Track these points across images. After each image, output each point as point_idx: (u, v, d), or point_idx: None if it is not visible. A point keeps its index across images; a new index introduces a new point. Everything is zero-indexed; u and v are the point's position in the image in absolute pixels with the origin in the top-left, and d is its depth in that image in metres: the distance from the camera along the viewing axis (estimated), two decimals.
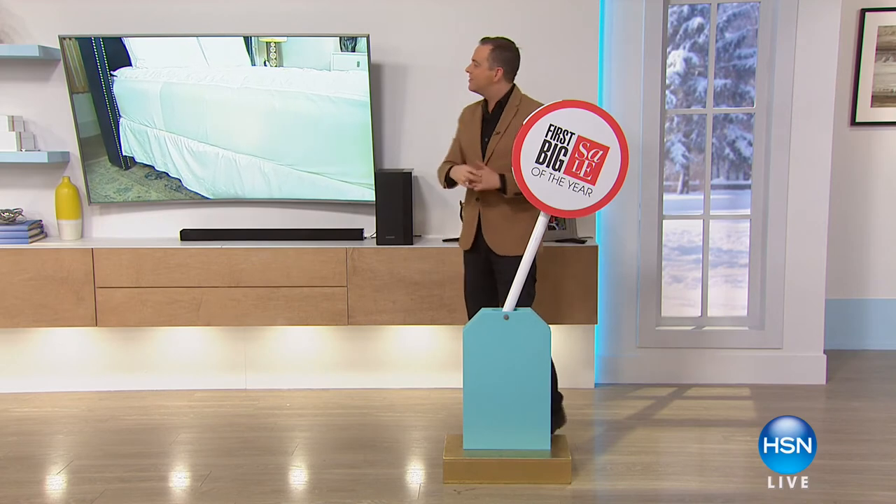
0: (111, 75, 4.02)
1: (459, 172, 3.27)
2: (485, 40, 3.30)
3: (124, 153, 4.15)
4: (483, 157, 3.30)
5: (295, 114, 4.04)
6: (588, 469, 3.28)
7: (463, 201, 4.03)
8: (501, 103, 3.29)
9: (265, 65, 3.97)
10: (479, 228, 3.36)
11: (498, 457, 3.14)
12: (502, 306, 3.23)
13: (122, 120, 4.11)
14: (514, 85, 3.33)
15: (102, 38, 3.96)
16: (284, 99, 4.03)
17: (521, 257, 3.23)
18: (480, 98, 3.38)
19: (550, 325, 3.20)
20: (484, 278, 3.43)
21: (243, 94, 4.05)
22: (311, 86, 3.98)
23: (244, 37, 3.92)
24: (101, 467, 3.33)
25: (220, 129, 4.11)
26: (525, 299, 3.30)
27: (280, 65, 3.96)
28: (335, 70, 3.94)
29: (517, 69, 3.32)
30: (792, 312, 4.25)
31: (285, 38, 3.94)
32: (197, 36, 3.92)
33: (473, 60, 3.28)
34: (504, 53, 3.26)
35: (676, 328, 4.33)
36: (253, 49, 3.96)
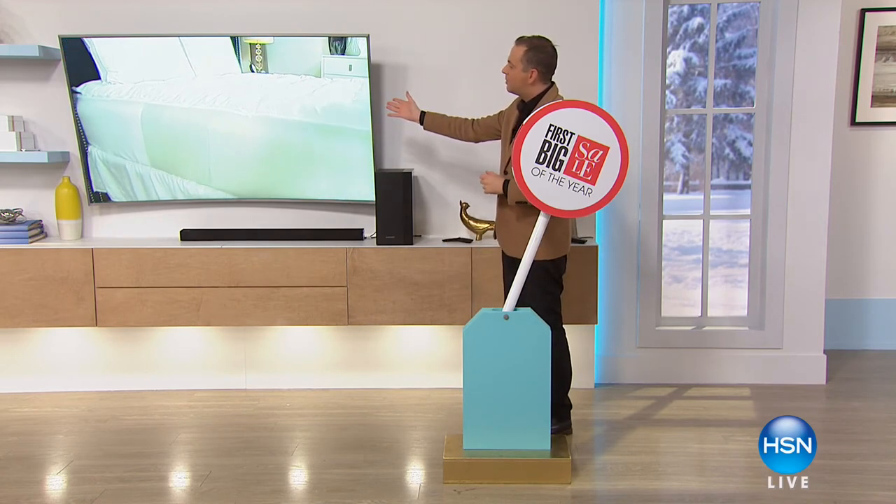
0: (73, 92, 3.68)
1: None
2: (520, 40, 3.29)
3: (95, 189, 3.84)
4: (510, 145, 3.29)
5: (305, 129, 3.92)
6: (588, 469, 3.28)
7: (466, 202, 4.05)
8: (535, 101, 3.28)
9: (251, 69, 3.80)
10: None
11: (498, 457, 3.14)
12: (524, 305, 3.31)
13: (90, 148, 3.78)
14: (553, 84, 3.33)
15: (62, 42, 3.70)
16: (292, 116, 3.85)
17: (540, 260, 3.29)
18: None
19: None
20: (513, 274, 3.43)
21: (253, 122, 3.74)
22: (312, 97, 3.84)
23: (237, 38, 3.84)
24: (101, 467, 3.33)
25: (227, 168, 3.76)
26: (543, 300, 3.35)
27: (265, 69, 3.81)
28: (336, 77, 3.82)
29: (554, 69, 3.32)
30: (792, 312, 4.25)
31: (271, 40, 3.84)
32: (198, 36, 3.88)
33: (508, 61, 3.29)
34: (539, 55, 3.25)
35: (676, 328, 4.33)
36: (240, 53, 3.80)
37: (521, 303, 3.23)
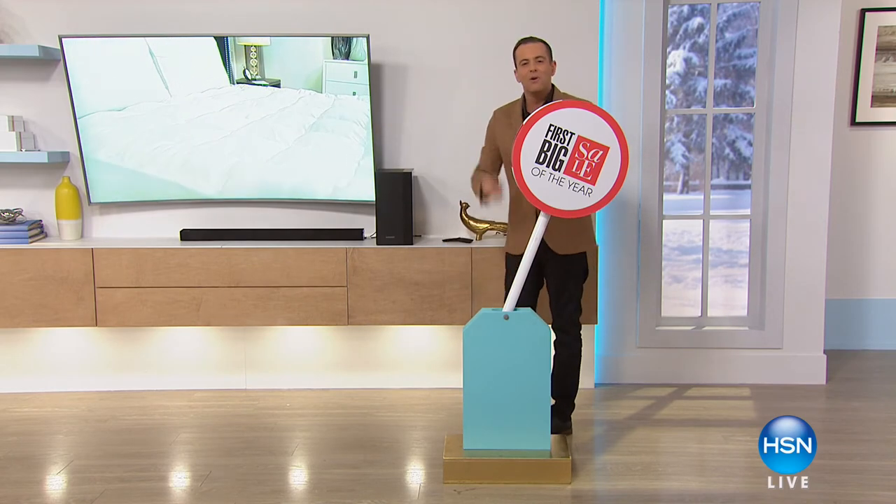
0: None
1: (485, 191, 3.32)
2: (533, 38, 3.30)
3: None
4: None
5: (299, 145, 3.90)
6: (588, 469, 3.28)
7: (466, 202, 4.04)
8: (549, 99, 3.31)
9: (245, 75, 3.65)
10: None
11: (498, 457, 3.13)
12: (555, 302, 3.36)
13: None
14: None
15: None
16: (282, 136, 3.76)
17: (580, 253, 3.39)
18: (515, 100, 3.43)
19: (550, 325, 3.21)
20: (533, 282, 3.41)
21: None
22: (310, 111, 3.76)
23: (226, 44, 3.77)
24: (101, 467, 3.33)
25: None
26: (574, 298, 3.42)
27: (261, 74, 3.70)
28: (340, 91, 3.71)
29: None
30: (792, 312, 4.24)
31: (268, 42, 3.76)
32: (195, 37, 3.87)
33: (538, 58, 3.25)
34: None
35: (676, 328, 4.33)
36: (231, 60, 3.65)
37: (569, 299, 3.36)
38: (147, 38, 3.86)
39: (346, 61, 3.73)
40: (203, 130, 3.92)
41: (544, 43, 3.30)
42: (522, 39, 3.32)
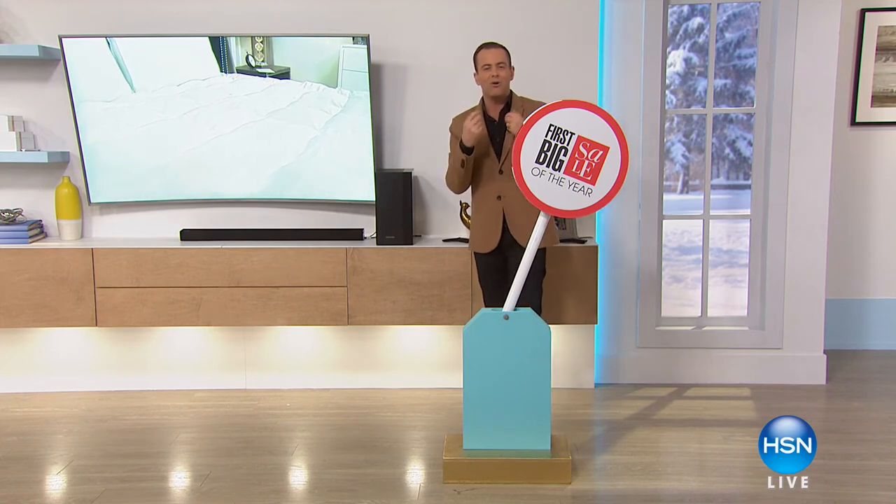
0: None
1: (469, 129, 3.27)
2: (495, 44, 3.39)
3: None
4: (500, 156, 3.40)
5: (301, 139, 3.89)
6: (588, 469, 3.28)
7: (466, 202, 4.04)
8: (507, 103, 3.41)
9: (248, 62, 3.55)
10: (504, 228, 3.43)
11: (498, 457, 3.14)
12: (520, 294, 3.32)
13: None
14: None
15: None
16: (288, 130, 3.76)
17: (542, 249, 3.38)
18: (475, 106, 3.49)
19: (550, 325, 3.21)
20: (505, 278, 3.45)
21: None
22: (317, 107, 3.72)
23: (224, 39, 3.77)
24: (101, 467, 3.33)
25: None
26: (536, 293, 3.42)
27: (267, 61, 3.63)
28: (356, 87, 3.70)
29: None
30: (792, 312, 4.24)
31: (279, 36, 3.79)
32: (201, 36, 3.88)
33: (500, 63, 3.34)
34: None
35: (676, 328, 4.33)
36: (226, 51, 3.57)
37: (533, 291, 3.33)
38: (145, 38, 3.86)
39: (365, 46, 3.69)
40: (203, 129, 3.93)
41: (505, 49, 3.38)
42: (484, 44, 3.40)
